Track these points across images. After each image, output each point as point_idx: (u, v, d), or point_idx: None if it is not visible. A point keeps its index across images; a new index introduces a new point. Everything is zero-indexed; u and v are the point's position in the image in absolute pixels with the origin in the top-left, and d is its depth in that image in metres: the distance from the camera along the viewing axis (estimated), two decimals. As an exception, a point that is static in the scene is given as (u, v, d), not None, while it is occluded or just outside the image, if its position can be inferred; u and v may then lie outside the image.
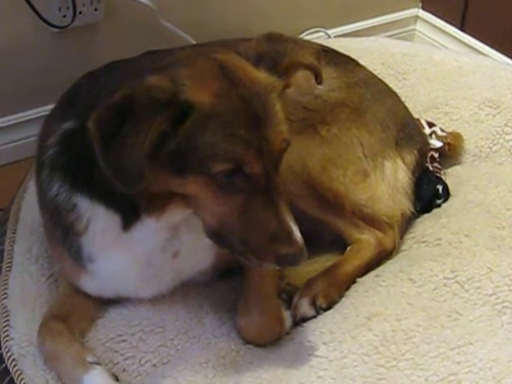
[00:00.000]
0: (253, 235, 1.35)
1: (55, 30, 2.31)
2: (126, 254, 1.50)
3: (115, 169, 1.27)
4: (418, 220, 1.86)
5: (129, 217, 1.43)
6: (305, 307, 1.63)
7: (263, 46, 1.43)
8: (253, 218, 1.34)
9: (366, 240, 1.75)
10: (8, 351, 1.58)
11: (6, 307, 1.66)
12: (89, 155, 1.36)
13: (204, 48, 1.45)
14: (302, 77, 1.51)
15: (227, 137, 1.29)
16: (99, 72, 1.54)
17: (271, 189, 1.35)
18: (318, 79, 1.51)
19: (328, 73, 1.81)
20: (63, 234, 1.51)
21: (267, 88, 1.36)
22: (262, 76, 1.38)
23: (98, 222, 1.46)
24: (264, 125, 1.33)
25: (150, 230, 1.44)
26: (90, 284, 1.59)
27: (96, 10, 2.35)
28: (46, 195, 1.51)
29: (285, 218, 1.34)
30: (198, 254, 1.57)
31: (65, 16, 2.29)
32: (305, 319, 1.62)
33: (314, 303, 1.63)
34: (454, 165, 2.07)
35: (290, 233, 1.34)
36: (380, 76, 2.03)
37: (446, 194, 1.92)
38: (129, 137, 1.25)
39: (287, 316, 1.62)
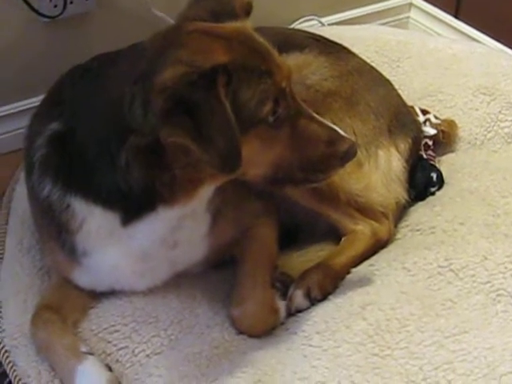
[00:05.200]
0: (312, 153, 1.43)
1: (46, 20, 2.28)
2: (121, 249, 1.49)
3: (219, 158, 1.27)
4: (412, 208, 1.86)
5: (135, 211, 1.42)
6: (299, 299, 1.62)
7: (209, 3, 1.46)
8: (305, 137, 1.43)
9: (361, 231, 1.74)
10: (0, 343, 1.58)
11: (-2, 298, 1.65)
12: (83, 158, 1.37)
13: (169, 30, 1.44)
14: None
15: (259, 79, 1.35)
16: (85, 69, 1.53)
17: (301, 105, 1.44)
18: None
19: (320, 62, 1.80)
20: (56, 231, 1.51)
21: (249, 31, 1.42)
22: (234, 26, 1.41)
23: (93, 220, 1.46)
24: (270, 57, 1.39)
25: (162, 220, 1.43)
26: (84, 278, 1.58)
27: (87, -1, 2.33)
28: (37, 196, 1.50)
29: (325, 122, 1.46)
30: (194, 244, 1.57)
31: (56, 6, 2.27)
32: (300, 310, 1.61)
33: (308, 295, 1.62)
34: (449, 152, 2.06)
35: (336, 131, 1.45)
36: (374, 64, 2.02)
37: (441, 182, 1.91)
38: (212, 123, 1.26)
39: (281, 306, 1.61)
